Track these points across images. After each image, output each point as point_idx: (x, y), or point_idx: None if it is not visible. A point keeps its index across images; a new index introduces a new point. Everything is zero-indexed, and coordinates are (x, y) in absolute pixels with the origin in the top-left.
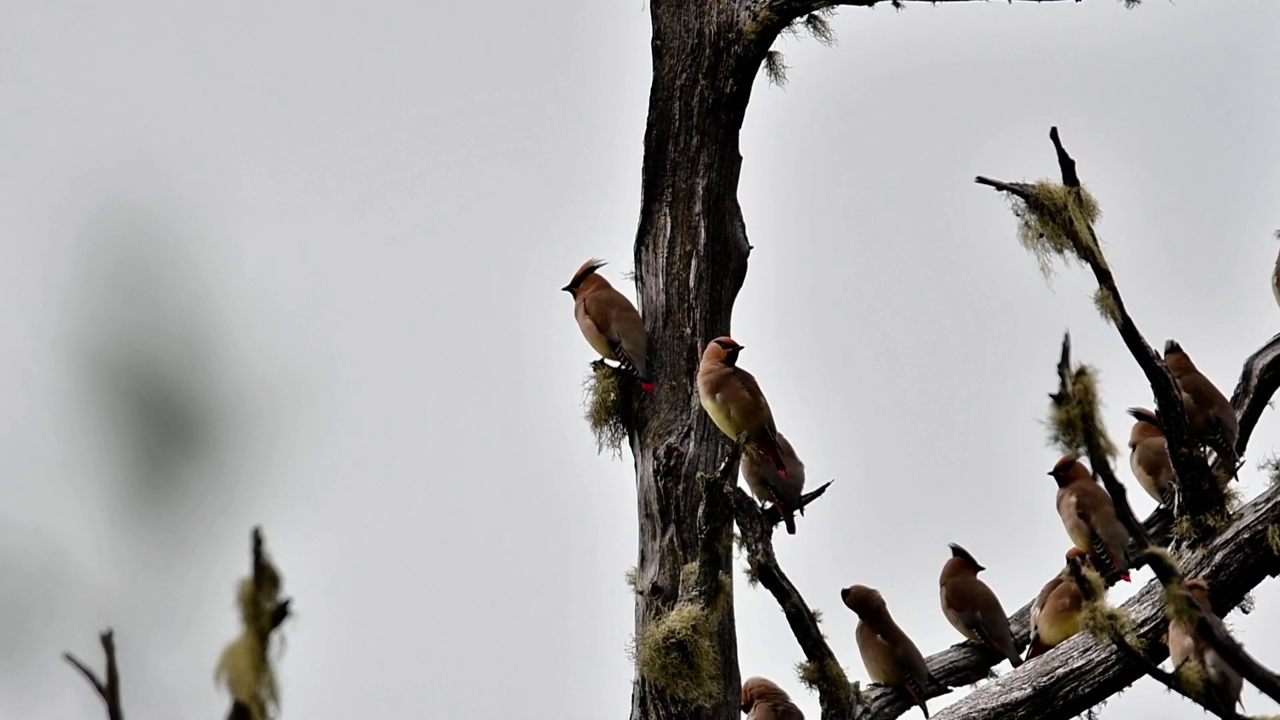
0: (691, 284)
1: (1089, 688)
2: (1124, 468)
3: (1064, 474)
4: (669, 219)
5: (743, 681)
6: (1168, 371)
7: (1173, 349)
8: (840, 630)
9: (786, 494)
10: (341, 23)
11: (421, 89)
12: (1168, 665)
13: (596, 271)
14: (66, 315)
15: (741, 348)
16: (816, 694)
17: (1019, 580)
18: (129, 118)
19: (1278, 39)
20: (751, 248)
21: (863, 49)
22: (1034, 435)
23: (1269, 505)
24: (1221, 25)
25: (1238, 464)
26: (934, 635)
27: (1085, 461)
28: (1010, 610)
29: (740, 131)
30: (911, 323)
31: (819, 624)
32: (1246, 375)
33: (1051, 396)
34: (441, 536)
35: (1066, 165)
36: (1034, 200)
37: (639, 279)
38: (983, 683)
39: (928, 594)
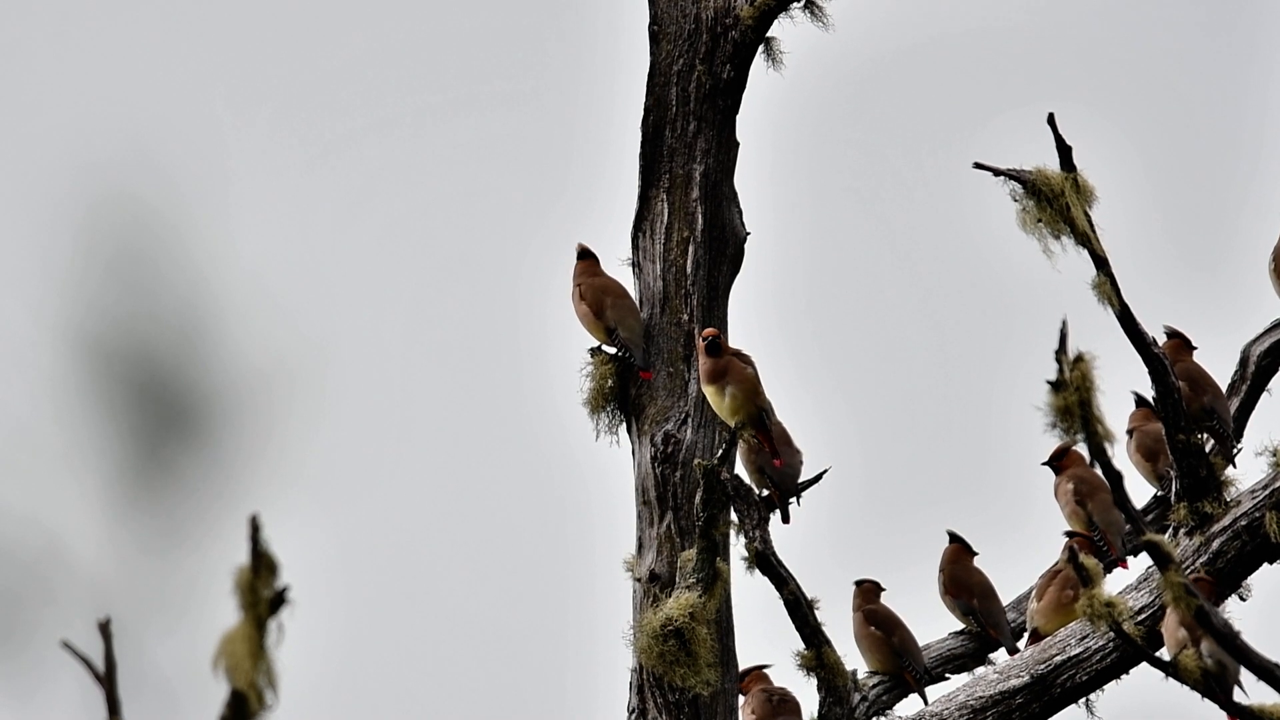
0: (689, 270)
1: (1086, 675)
2: (1121, 455)
3: (1057, 464)
4: (666, 205)
5: (741, 669)
6: (1165, 358)
7: (1172, 335)
8: (837, 618)
9: (783, 482)
10: (344, 34)
11: (416, 79)
12: (1165, 653)
13: (589, 259)
14: (64, 303)
15: (717, 336)
16: (814, 681)
17: (1016, 566)
18: (125, 104)
19: (1274, 24)
20: (748, 234)
21: (859, 34)
22: (1031, 422)
23: (1266, 492)
24: (1218, 10)
25: (1235, 451)
26: (932, 623)
27: (1083, 448)
28: (1007, 598)
29: (737, 117)
30: (909, 308)
31: (816, 611)
32: (1244, 361)
33: (1049, 383)
34: (438, 523)
35: (1064, 151)
36: (1031, 186)
37: (636, 265)
38: (980, 670)
39: (925, 581)
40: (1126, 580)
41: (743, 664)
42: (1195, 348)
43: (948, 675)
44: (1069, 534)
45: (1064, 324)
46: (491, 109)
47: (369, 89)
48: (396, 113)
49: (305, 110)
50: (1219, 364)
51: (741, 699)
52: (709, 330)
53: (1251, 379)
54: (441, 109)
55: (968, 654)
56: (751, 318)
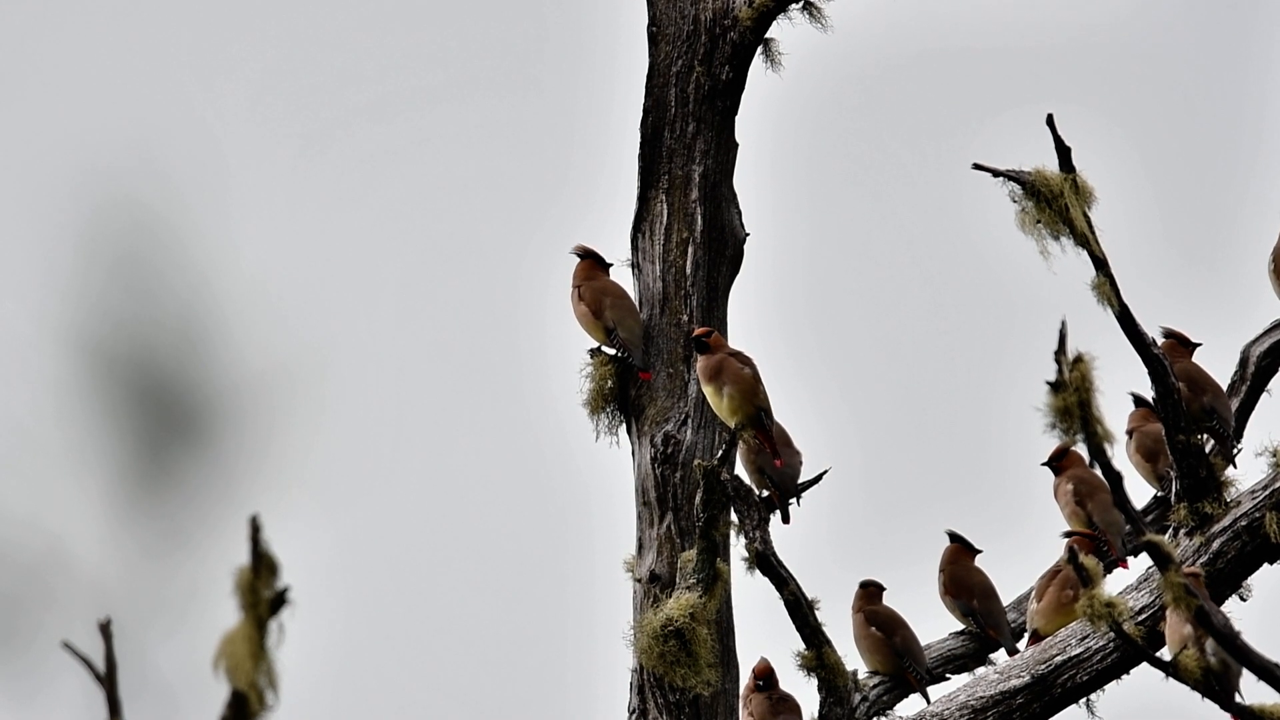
0: (688, 271)
1: (1087, 676)
2: (1121, 455)
3: (1057, 464)
4: (665, 206)
5: (741, 670)
6: (1164, 359)
7: (1170, 336)
8: (838, 618)
9: (783, 483)
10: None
11: (417, 80)
12: (1166, 653)
13: (587, 260)
14: (66, 307)
15: (706, 334)
16: (814, 682)
17: (1016, 566)
18: (127, 108)
19: (1274, 23)
20: (747, 234)
21: (859, 35)
22: (1031, 422)
23: (1266, 492)
24: (1218, 9)
25: (1235, 451)
26: (932, 623)
27: (1082, 449)
28: (1007, 598)
29: (736, 118)
30: (908, 309)
31: (816, 611)
32: (1244, 362)
33: (1049, 384)
34: (439, 524)
35: (1063, 152)
36: (1030, 187)
37: (636, 266)
38: (981, 670)
39: (925, 581)
40: (1126, 580)
41: (743, 664)
42: (1196, 344)
43: (948, 675)
44: (1067, 534)
45: (1063, 325)
46: (489, 112)
47: (364, 88)
48: (394, 113)
49: (297, 107)
50: (1219, 364)
51: (743, 689)
52: (699, 330)
53: (1251, 379)
54: (440, 112)
55: (968, 654)
56: (751, 318)
